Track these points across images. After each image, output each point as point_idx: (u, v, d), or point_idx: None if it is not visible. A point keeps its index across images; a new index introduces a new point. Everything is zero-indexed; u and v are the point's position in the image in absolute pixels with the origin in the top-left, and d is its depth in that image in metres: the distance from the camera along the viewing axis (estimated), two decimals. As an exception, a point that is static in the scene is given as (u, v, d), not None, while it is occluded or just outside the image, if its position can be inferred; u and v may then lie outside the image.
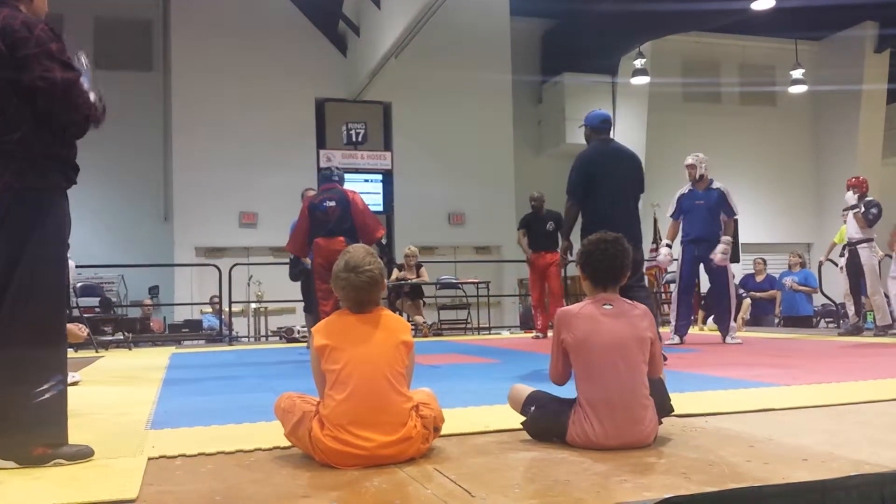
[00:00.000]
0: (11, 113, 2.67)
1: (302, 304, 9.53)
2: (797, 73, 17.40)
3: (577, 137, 16.62)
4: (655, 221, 13.42)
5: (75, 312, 8.75)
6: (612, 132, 6.27)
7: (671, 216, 8.28)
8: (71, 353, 7.27)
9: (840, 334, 8.61)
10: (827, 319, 13.68)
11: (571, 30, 17.23)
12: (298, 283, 9.21)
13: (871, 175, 17.77)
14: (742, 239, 12.61)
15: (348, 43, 15.75)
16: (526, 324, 13.14)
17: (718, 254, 7.82)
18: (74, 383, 5.18)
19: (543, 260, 9.55)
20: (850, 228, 8.47)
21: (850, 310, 8.58)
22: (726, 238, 7.92)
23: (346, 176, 13.75)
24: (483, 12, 16.08)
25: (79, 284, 9.94)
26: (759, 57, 19.63)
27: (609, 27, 16.01)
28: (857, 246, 8.33)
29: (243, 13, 14.99)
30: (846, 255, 8.48)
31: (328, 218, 7.19)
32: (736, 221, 8.11)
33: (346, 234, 7.08)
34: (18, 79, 2.66)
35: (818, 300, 12.89)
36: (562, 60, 17.47)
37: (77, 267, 5.78)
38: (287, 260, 10.99)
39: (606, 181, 5.84)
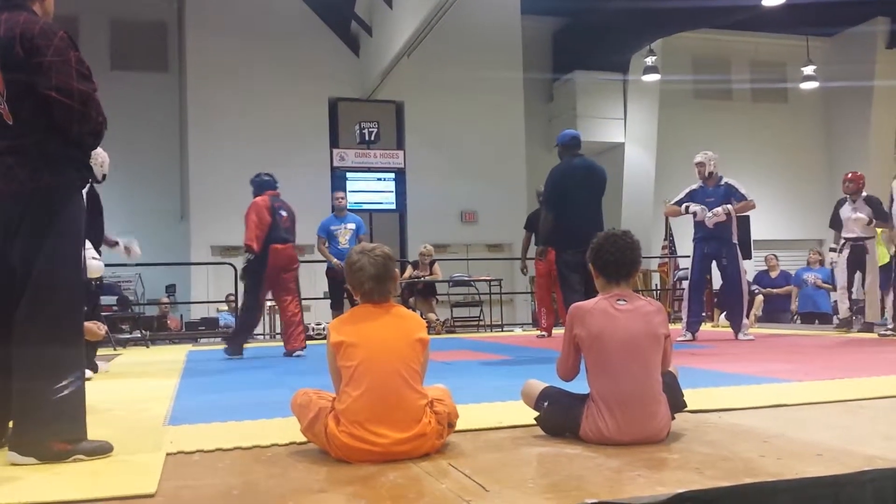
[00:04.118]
0: (26, 117, 2.69)
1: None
2: (808, 70, 17.33)
3: (588, 135, 16.71)
4: (667, 218, 13.41)
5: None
6: (576, 144, 6.92)
7: (675, 202, 8.23)
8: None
9: (836, 328, 8.63)
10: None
11: (582, 28, 17.22)
12: (326, 281, 9.68)
13: (884, 170, 17.74)
14: (754, 236, 12.54)
15: (361, 43, 15.79)
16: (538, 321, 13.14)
17: (716, 211, 7.72)
18: (87, 379, 5.22)
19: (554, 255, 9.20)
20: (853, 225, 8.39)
21: (844, 304, 8.52)
22: (728, 206, 7.80)
23: (359, 175, 13.96)
24: (494, 11, 16.08)
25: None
26: (770, 54, 19.55)
27: (620, 25, 15.98)
28: (866, 241, 8.28)
29: (257, 14, 15.05)
30: (847, 250, 8.40)
31: (282, 225, 7.50)
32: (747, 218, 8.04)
33: (293, 244, 7.64)
34: (34, 84, 2.68)
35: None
36: (573, 58, 17.45)
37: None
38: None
39: (580, 191, 6.57)
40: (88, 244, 5.60)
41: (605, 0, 15.46)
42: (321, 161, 14.63)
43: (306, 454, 2.69)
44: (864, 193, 8.33)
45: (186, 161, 15.15)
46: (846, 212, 8.37)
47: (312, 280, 13.06)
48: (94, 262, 5.70)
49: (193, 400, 4.34)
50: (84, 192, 5.72)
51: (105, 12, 15.45)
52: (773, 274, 12.56)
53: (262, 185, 7.71)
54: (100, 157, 6.10)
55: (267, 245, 7.36)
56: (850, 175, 8.46)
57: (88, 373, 5.80)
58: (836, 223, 8.53)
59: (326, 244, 9.38)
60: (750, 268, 9.87)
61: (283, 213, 7.57)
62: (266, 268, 7.40)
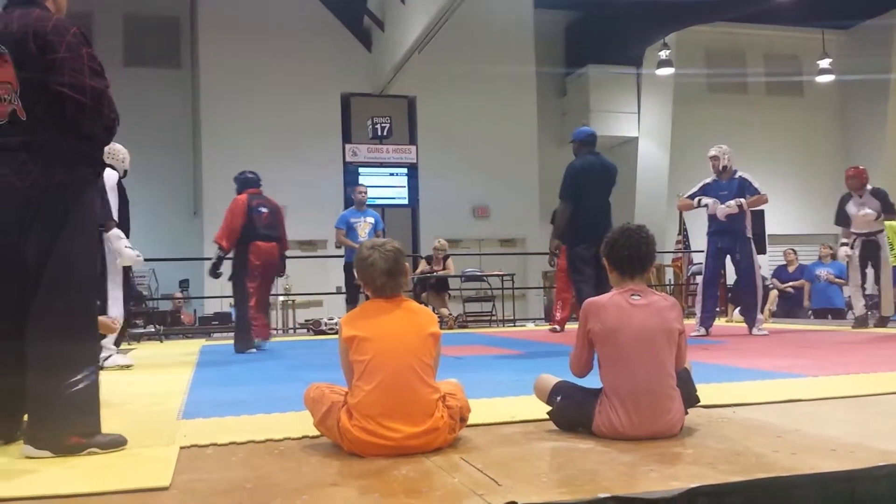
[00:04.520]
0: (39, 114, 2.70)
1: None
2: (824, 63, 17.21)
3: (602, 129, 16.60)
4: (681, 213, 13.36)
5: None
6: (592, 142, 7.11)
7: (688, 195, 8.17)
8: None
9: (853, 327, 8.49)
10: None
11: (595, 21, 17.16)
12: (338, 275, 9.57)
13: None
14: (770, 230, 12.47)
15: (373, 38, 15.79)
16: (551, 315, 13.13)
17: (729, 204, 7.68)
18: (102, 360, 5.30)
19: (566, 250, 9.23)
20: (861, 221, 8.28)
21: (860, 302, 8.40)
22: (740, 200, 7.75)
23: (372, 170, 13.99)
24: (506, 5, 16.07)
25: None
26: (784, 46, 19.44)
27: (633, 18, 15.92)
28: (878, 235, 8.17)
29: (270, 10, 15.08)
30: (858, 246, 8.28)
31: (262, 222, 7.53)
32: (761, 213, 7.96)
33: (278, 241, 7.68)
34: (47, 81, 2.69)
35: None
36: (586, 52, 17.40)
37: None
38: (311, 253, 11.01)
39: (596, 187, 6.79)
40: (123, 234, 5.68)
41: (618, -7, 15.41)
42: (334, 156, 14.66)
43: (319, 448, 2.69)
44: (868, 187, 8.21)
45: (199, 157, 15.20)
46: (852, 207, 8.20)
47: (325, 274, 13.09)
48: (129, 251, 5.77)
49: (207, 394, 4.36)
50: (115, 184, 5.81)
51: (118, 8, 15.51)
52: (791, 268, 12.48)
53: (245, 182, 7.77)
54: (121, 153, 6.16)
55: (247, 242, 7.44)
56: (851, 171, 8.30)
57: (125, 359, 5.88)
58: (842, 219, 8.35)
59: (346, 235, 9.43)
60: (764, 263, 9.78)
61: (263, 210, 7.56)
62: (249, 264, 7.48)
